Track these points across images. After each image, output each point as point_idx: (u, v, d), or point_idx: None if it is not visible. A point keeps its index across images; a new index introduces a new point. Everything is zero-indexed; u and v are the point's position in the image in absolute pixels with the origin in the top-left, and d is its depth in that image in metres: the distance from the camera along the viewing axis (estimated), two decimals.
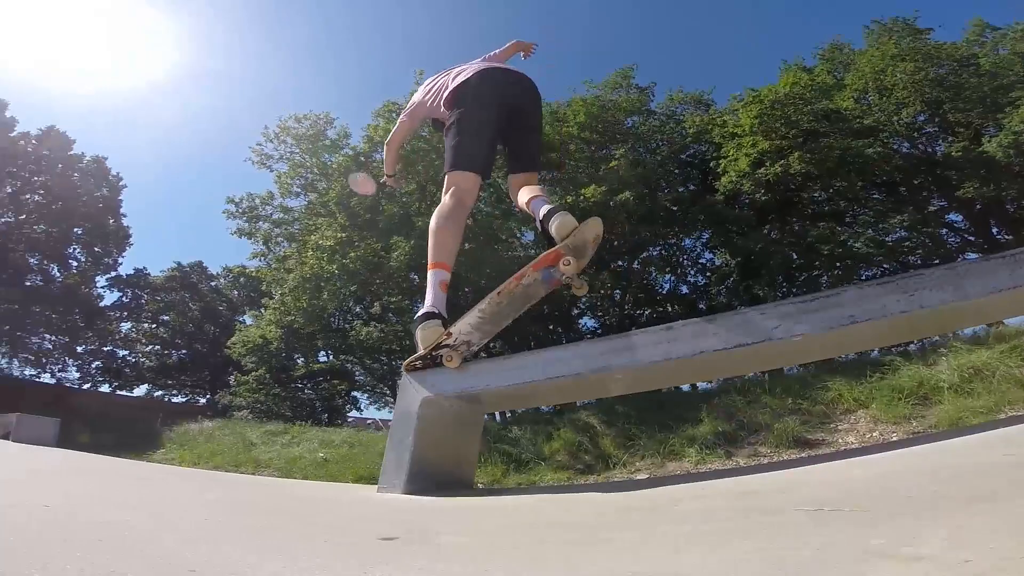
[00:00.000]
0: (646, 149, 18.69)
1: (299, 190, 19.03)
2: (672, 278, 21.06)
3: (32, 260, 29.92)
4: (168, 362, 32.30)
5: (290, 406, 23.94)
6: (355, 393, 28.98)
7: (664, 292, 21.19)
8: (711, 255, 19.85)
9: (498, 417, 18.17)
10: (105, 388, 30.88)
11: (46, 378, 29.10)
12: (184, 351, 33.22)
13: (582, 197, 14.22)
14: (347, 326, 21.38)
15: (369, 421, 29.63)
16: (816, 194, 16.20)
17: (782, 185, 15.03)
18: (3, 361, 28.77)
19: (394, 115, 17.71)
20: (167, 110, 52.27)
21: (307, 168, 18.27)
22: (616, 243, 16.58)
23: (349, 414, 29.04)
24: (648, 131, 19.03)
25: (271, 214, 18.71)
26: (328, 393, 26.67)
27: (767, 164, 14.74)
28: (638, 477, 4.75)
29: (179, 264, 32.23)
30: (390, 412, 30.89)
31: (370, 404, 29.23)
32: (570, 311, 21.07)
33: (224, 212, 18.50)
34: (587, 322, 22.04)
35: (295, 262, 16.22)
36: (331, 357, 26.62)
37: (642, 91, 19.01)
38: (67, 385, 29.58)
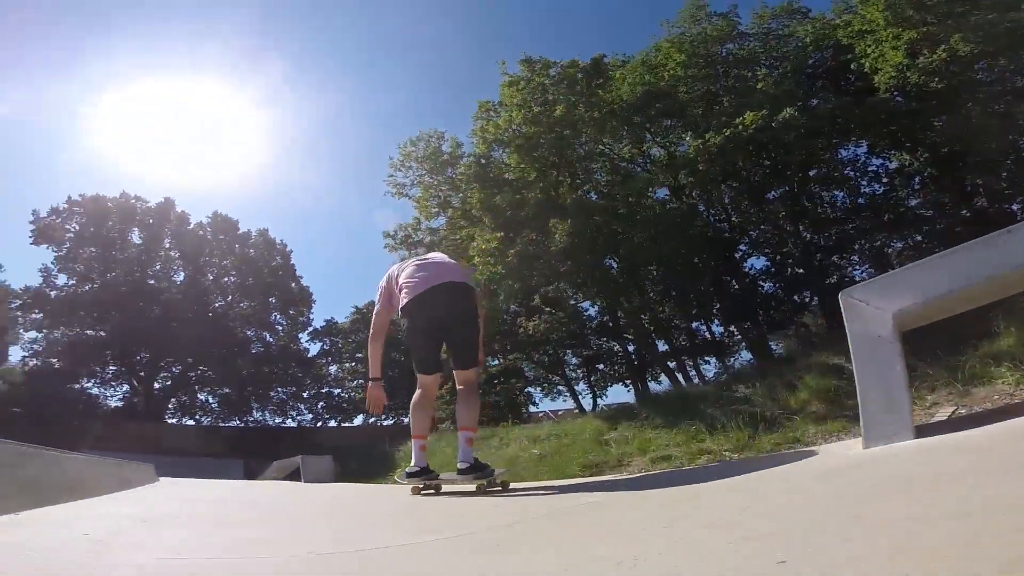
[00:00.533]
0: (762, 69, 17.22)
1: (437, 209, 20.02)
2: (843, 193, 18.83)
3: (249, 332, 36.09)
4: None
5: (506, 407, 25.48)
6: (528, 389, 30.14)
7: (840, 209, 18.95)
8: (880, 160, 17.95)
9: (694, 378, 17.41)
10: (332, 423, 36.10)
11: (289, 423, 34.60)
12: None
13: (740, 126, 13.14)
14: (511, 325, 22.19)
15: (540, 414, 30.55)
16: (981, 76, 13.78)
17: (947, 71, 12.82)
18: (258, 414, 34.71)
19: (491, 113, 17.84)
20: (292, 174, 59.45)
21: (436, 187, 19.13)
22: (780, 167, 15.06)
23: (529, 409, 30.29)
24: (749, 55, 17.70)
25: (422, 239, 19.93)
26: (508, 393, 27.86)
27: (924, 53, 12.62)
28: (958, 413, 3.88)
29: (356, 307, 36.26)
30: (564, 402, 31.53)
31: (544, 396, 30.11)
32: (732, 254, 19.44)
33: (385, 247, 20.14)
34: (754, 263, 20.29)
35: None
36: (500, 359, 28.00)
37: (725, 17, 17.66)
38: (305, 425, 35.05)
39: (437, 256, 4.29)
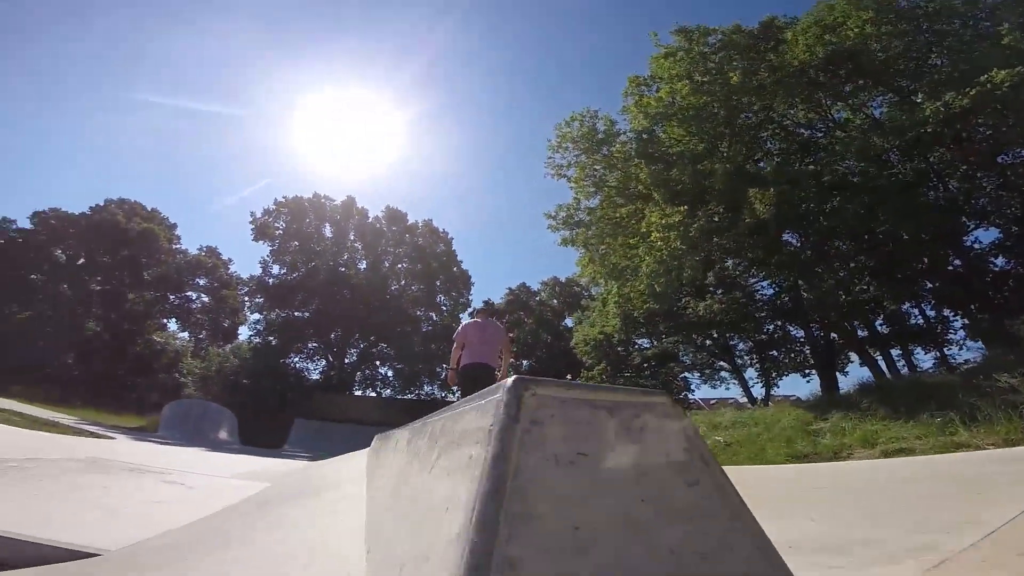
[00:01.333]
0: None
1: (592, 188, 19.81)
2: None
3: (419, 312, 39.78)
4: (524, 371, 37.91)
5: (661, 387, 24.88)
6: (685, 375, 28.59)
7: None
8: None
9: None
10: None
11: (450, 397, 37.48)
12: (524, 360, 38.54)
13: (989, 84, 11.04)
14: (679, 306, 21.21)
15: (691, 400, 28.73)
16: None
17: None
18: (428, 388, 38.16)
19: (643, 88, 17.08)
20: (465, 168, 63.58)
21: (590, 167, 18.89)
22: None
23: (687, 397, 28.76)
24: (944, 6, 14.59)
25: (582, 219, 19.91)
26: (664, 377, 26.87)
27: None
28: None
29: (510, 288, 37.82)
30: (727, 390, 29.20)
31: (703, 383, 28.21)
32: (954, 226, 16.24)
33: (548, 227, 20.52)
34: (980, 235, 16.74)
35: (618, 255, 16.76)
36: (654, 342, 26.96)
37: None
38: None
39: (488, 328, 6.11)
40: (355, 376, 37.99)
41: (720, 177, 13.28)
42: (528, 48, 62.79)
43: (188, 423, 21.62)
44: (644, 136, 16.43)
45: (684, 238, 13.31)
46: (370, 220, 40.27)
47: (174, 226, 37.37)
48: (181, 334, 37.20)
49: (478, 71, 65.59)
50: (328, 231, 39.56)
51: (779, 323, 21.03)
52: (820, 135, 17.03)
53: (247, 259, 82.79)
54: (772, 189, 12.28)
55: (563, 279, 38.10)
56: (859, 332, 18.07)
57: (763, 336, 21.22)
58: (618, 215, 19.24)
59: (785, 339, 21.95)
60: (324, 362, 39.38)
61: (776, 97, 14.61)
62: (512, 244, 67.81)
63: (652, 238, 14.05)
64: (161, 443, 13.92)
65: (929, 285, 16.92)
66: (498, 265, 66.31)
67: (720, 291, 17.91)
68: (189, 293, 37.39)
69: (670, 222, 13.59)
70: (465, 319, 6.76)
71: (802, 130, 17.43)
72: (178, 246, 37.19)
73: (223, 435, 22.08)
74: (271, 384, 32.73)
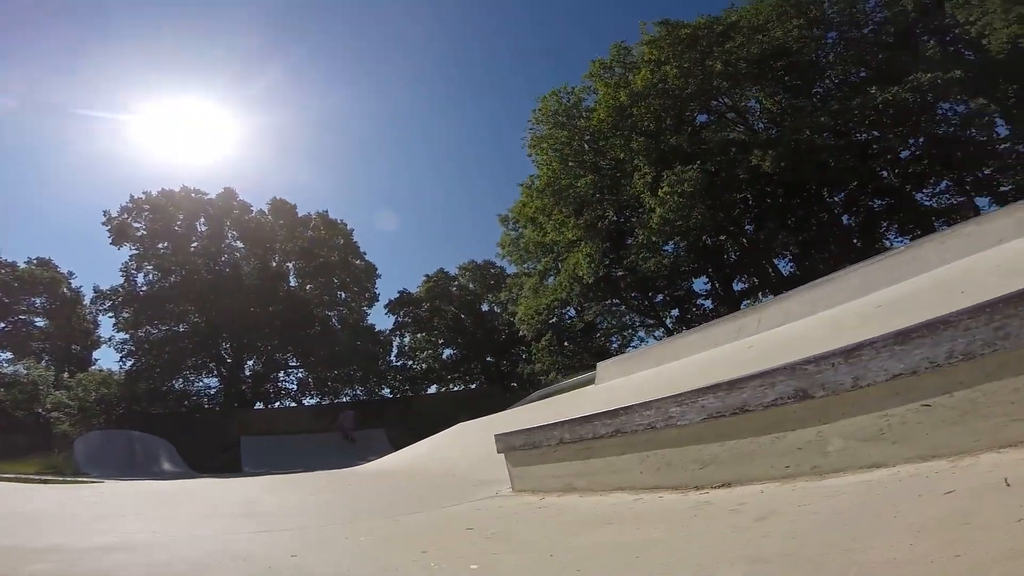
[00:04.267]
0: None
1: (557, 162, 21.13)
2: None
3: (326, 312, 36.85)
4: (447, 360, 37.91)
5: (592, 355, 26.89)
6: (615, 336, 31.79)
7: None
8: None
9: None
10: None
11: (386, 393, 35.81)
12: (452, 347, 38.60)
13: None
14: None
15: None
16: None
17: None
18: (349, 390, 35.72)
19: (606, 71, 19.07)
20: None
21: (562, 139, 20.25)
22: None
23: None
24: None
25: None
26: (616, 334, 29.51)
27: None
28: None
29: (427, 275, 37.25)
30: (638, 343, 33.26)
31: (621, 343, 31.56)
32: None
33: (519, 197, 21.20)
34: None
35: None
36: (580, 313, 29.47)
37: None
38: (390, 396, 36.31)
39: None
40: (265, 388, 34.06)
41: (717, 143, 15.66)
42: (438, 26, 60.49)
43: (114, 456, 17.81)
44: (624, 111, 18.21)
45: (695, 189, 15.41)
46: (253, 214, 36.02)
47: None
48: (12, 369, 29.39)
49: (379, 54, 61.60)
50: (202, 228, 34.44)
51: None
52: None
53: (98, 269, 67.51)
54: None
55: (480, 261, 38.66)
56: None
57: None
58: (579, 186, 20.86)
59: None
60: (216, 377, 34.47)
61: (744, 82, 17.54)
62: (427, 232, 65.82)
63: (661, 194, 15.89)
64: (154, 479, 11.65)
65: None
66: (412, 255, 63.98)
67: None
68: (22, 316, 29.67)
69: (683, 177, 15.58)
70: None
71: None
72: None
73: (166, 465, 18.59)
74: (170, 408, 27.82)
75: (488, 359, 37.84)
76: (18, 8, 42.70)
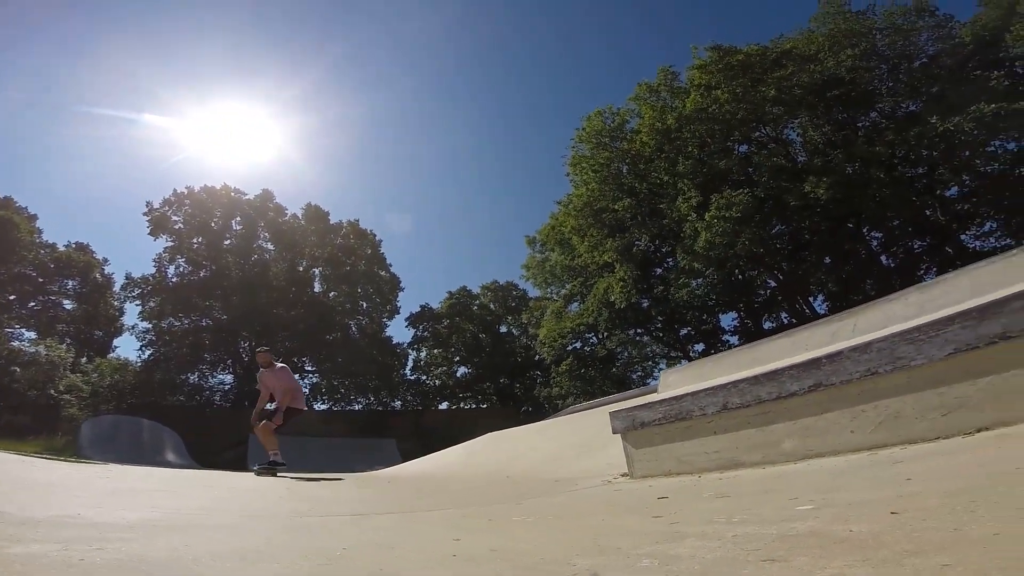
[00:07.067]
0: None
1: (596, 183, 20.90)
2: None
3: (347, 320, 36.83)
4: (461, 378, 37.29)
5: (613, 383, 26.09)
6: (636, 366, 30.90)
7: None
8: None
9: None
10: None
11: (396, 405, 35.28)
12: (467, 366, 38.02)
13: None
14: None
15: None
16: None
17: None
18: (361, 398, 35.28)
19: (652, 95, 18.98)
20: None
21: (605, 159, 20.07)
22: None
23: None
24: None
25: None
26: (638, 365, 28.69)
27: None
28: None
29: (450, 292, 37.05)
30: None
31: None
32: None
33: (553, 214, 20.96)
34: None
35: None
36: (603, 340, 28.75)
37: None
38: (400, 409, 35.76)
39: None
40: None
41: (768, 169, 15.24)
42: (472, 48, 62.29)
43: (120, 442, 17.52)
44: (670, 135, 18.00)
45: (744, 215, 14.94)
46: (287, 217, 36.54)
47: (34, 217, 29.99)
48: (33, 349, 29.77)
49: (415, 70, 63.49)
50: (237, 227, 34.99)
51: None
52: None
53: (128, 258, 70.38)
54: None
55: (503, 283, 38.41)
56: None
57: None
58: (617, 208, 20.57)
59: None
60: (232, 374, 34.45)
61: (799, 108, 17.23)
62: (453, 248, 66.50)
63: (708, 217, 15.43)
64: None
65: None
66: (436, 270, 64.63)
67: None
68: (53, 297, 30.19)
69: (732, 201, 15.14)
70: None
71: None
72: (41, 238, 29.91)
73: (171, 456, 18.25)
74: (182, 401, 27.71)
75: (502, 380, 37.11)
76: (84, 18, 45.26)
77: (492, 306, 38.50)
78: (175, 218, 32.95)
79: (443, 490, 4.57)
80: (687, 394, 2.94)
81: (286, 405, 6.72)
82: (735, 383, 2.72)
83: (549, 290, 29.81)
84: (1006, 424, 1.80)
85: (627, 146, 19.48)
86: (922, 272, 19.74)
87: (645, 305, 24.92)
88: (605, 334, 27.39)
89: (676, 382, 8.96)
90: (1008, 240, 17.96)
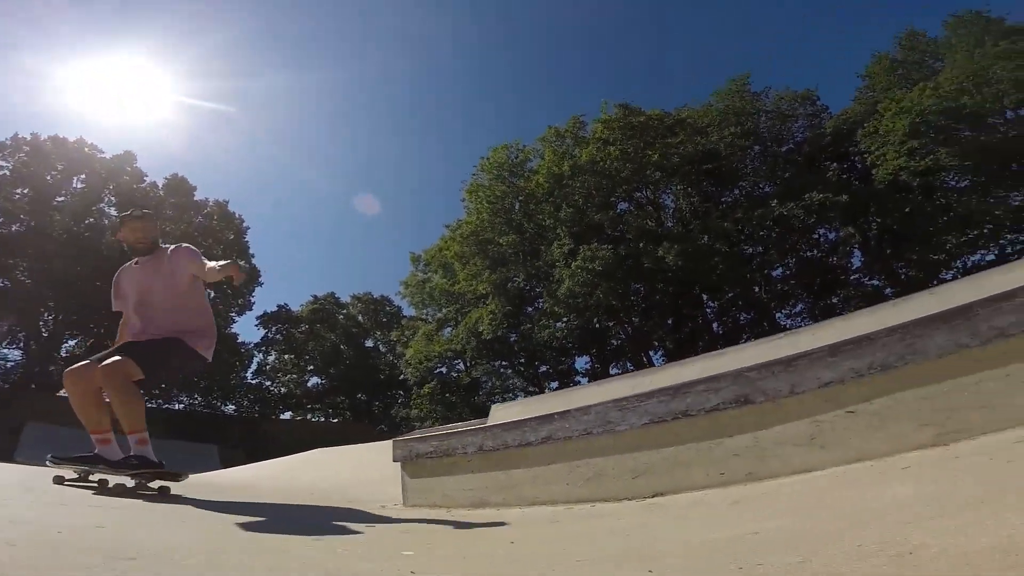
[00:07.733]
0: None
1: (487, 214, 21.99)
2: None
3: None
4: (312, 389, 35.28)
5: (472, 411, 26.74)
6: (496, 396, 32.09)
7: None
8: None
9: None
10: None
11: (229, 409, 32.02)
12: (321, 376, 36.16)
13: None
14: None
15: None
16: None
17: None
18: (185, 397, 31.56)
19: (557, 140, 21.05)
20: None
21: (501, 193, 21.33)
22: None
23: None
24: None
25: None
26: (499, 395, 29.59)
27: (916, 158, 17.41)
28: None
29: (315, 296, 35.30)
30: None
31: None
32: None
33: (441, 237, 21.43)
34: None
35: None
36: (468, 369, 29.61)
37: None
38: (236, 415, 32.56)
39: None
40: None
41: (635, 229, 17.50)
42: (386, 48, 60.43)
43: None
44: (561, 181, 19.83)
45: (605, 269, 16.86)
46: (144, 184, 32.35)
47: None
48: None
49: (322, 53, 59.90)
50: (80, 184, 30.20)
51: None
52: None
53: None
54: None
55: (377, 296, 37.52)
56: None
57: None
58: (501, 243, 21.85)
59: None
60: (21, 350, 28.91)
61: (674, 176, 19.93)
62: (329, 252, 62.27)
63: (573, 266, 17.10)
64: None
65: None
66: (305, 271, 59.90)
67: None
68: None
69: (596, 254, 17.00)
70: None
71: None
72: None
73: None
74: None
75: (360, 396, 35.79)
76: None
77: (361, 318, 37.34)
78: (1, 163, 27.66)
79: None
80: (454, 432, 3.14)
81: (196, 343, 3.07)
82: (490, 428, 2.96)
83: (425, 311, 29.92)
84: (676, 492, 2.07)
85: (523, 184, 20.99)
86: (743, 341, 23.71)
87: (512, 340, 26.28)
88: (472, 362, 28.15)
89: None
90: (809, 320, 22.34)
